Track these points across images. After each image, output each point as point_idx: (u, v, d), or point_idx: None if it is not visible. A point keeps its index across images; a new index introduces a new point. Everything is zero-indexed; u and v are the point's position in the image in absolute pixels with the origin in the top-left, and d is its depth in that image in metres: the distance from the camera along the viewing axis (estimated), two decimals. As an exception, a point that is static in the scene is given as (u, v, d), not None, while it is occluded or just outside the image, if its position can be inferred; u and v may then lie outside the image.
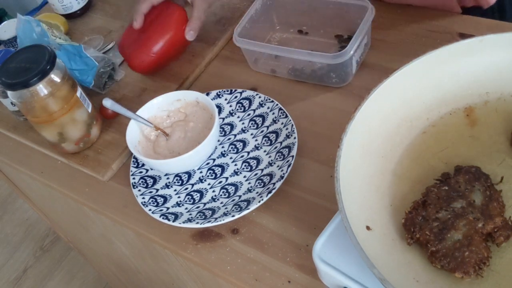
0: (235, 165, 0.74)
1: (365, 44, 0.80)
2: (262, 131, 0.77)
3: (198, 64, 0.89)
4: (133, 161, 0.78)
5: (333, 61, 0.75)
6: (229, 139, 0.78)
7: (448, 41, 0.62)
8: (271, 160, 0.73)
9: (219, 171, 0.74)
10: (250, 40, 0.82)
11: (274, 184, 0.68)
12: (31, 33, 0.84)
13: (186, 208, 0.71)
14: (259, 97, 0.79)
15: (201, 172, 0.75)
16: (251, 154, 0.75)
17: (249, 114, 0.79)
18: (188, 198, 0.72)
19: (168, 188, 0.74)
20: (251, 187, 0.71)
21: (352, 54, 0.74)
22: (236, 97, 0.81)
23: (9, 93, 0.75)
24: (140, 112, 0.77)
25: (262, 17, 0.88)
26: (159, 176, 0.76)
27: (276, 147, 0.74)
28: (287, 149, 0.72)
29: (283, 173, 0.69)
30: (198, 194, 0.73)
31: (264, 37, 0.90)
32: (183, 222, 0.68)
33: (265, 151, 0.74)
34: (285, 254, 0.64)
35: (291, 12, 0.88)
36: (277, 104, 0.77)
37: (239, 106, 0.80)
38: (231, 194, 0.71)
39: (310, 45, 0.86)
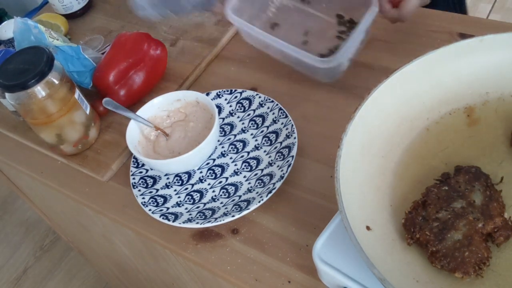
0: (235, 165, 0.74)
1: (361, 40, 0.76)
2: (262, 131, 0.77)
3: (198, 64, 0.89)
4: (133, 161, 0.78)
5: (321, 65, 0.72)
6: (229, 139, 0.78)
7: (448, 41, 0.62)
8: (271, 160, 0.73)
9: (219, 171, 0.74)
10: (248, 7, 0.78)
11: (274, 184, 0.68)
12: (29, 36, 0.84)
13: (186, 208, 0.71)
14: (259, 97, 0.79)
15: (201, 172, 0.75)
16: (251, 154, 0.75)
17: (249, 114, 0.79)
18: (188, 198, 0.72)
19: (168, 188, 0.74)
20: (251, 187, 0.71)
21: (342, 59, 0.72)
22: (236, 97, 0.81)
23: (7, 95, 0.75)
24: (140, 112, 0.77)
25: None
26: (159, 176, 0.76)
27: (276, 147, 0.74)
28: (287, 149, 0.72)
29: (283, 173, 0.69)
30: (198, 194, 0.73)
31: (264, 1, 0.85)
32: (183, 222, 0.68)
33: (265, 151, 0.74)
34: (285, 254, 0.64)
35: None
36: (277, 104, 0.77)
37: (239, 106, 0.80)
38: (231, 194, 0.71)
39: (308, 21, 0.82)
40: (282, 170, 0.69)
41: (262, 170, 0.72)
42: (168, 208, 0.71)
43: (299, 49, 0.73)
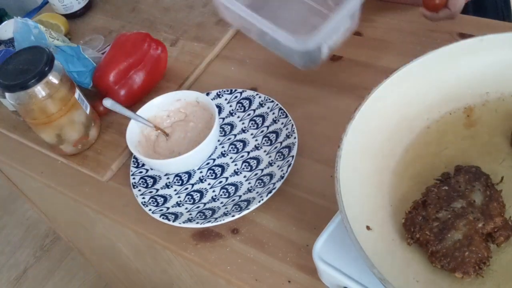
0: (235, 165, 0.74)
1: (348, 28, 0.66)
2: (262, 131, 0.77)
3: (198, 64, 0.89)
4: (133, 161, 0.78)
5: (296, 46, 0.63)
6: (229, 139, 0.78)
7: (448, 41, 0.62)
8: (271, 160, 0.73)
9: (219, 171, 0.74)
10: None
11: (274, 184, 0.68)
12: (29, 36, 0.84)
13: (186, 208, 0.71)
14: (259, 97, 0.79)
15: (201, 172, 0.75)
16: (251, 154, 0.75)
17: (249, 114, 0.79)
18: (188, 198, 0.72)
19: (168, 188, 0.74)
20: (251, 187, 0.71)
21: (319, 41, 0.63)
22: (236, 97, 0.81)
23: (7, 95, 0.75)
24: (140, 112, 0.77)
25: None
26: (159, 176, 0.76)
27: (276, 147, 0.74)
28: (287, 149, 0.72)
29: (283, 173, 0.69)
30: (198, 194, 0.73)
31: None
32: (183, 222, 0.68)
33: (265, 151, 0.74)
34: (285, 254, 0.64)
35: None
36: (277, 104, 0.77)
37: (239, 106, 0.80)
38: (231, 194, 0.71)
39: (298, 9, 0.73)
40: (282, 170, 0.69)
41: (262, 170, 0.72)
42: (168, 208, 0.71)
43: (274, 26, 0.64)
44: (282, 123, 0.75)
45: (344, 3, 0.63)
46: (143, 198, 0.73)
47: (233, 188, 0.72)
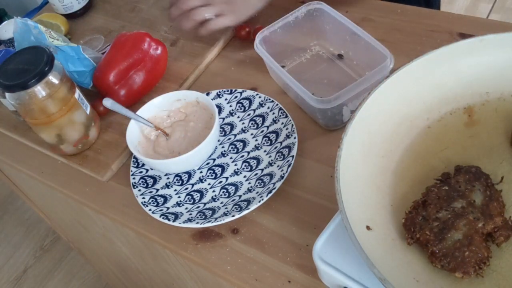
0: (235, 165, 0.74)
1: (363, 93, 0.71)
2: (262, 131, 0.77)
3: (198, 64, 0.89)
4: (133, 161, 0.78)
5: (317, 105, 0.69)
6: (229, 139, 0.78)
7: (448, 41, 0.62)
8: (271, 160, 0.73)
9: (219, 171, 0.74)
10: (278, 44, 0.81)
11: (274, 184, 0.68)
12: (29, 36, 0.84)
13: (186, 208, 0.71)
14: (259, 97, 0.79)
15: (201, 172, 0.75)
16: (251, 154, 0.75)
17: (249, 114, 0.79)
18: (188, 198, 0.72)
19: (168, 188, 0.74)
20: (251, 187, 0.71)
21: (340, 103, 0.69)
22: (236, 97, 0.81)
23: (7, 94, 0.75)
24: (140, 112, 0.77)
25: (299, 28, 0.83)
26: (159, 176, 0.76)
27: (276, 147, 0.74)
28: (287, 149, 0.72)
29: (283, 173, 0.69)
30: (198, 194, 0.73)
31: (300, 46, 0.86)
32: (183, 222, 0.68)
33: (265, 151, 0.74)
34: (285, 254, 0.64)
35: (333, 34, 0.83)
36: (277, 104, 0.77)
37: (239, 106, 0.80)
38: (231, 194, 0.71)
39: (334, 73, 0.81)
40: (282, 170, 0.69)
41: (262, 170, 0.72)
42: (168, 208, 0.71)
43: (301, 85, 0.71)
44: (282, 123, 0.75)
45: (372, 74, 0.69)
46: (143, 198, 0.73)
47: (233, 188, 0.72)
